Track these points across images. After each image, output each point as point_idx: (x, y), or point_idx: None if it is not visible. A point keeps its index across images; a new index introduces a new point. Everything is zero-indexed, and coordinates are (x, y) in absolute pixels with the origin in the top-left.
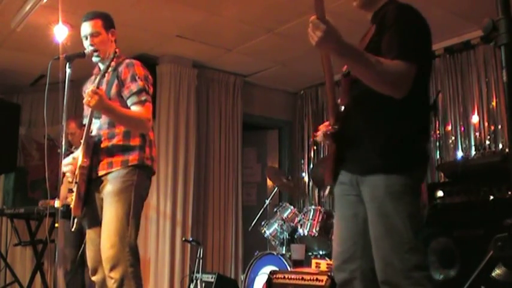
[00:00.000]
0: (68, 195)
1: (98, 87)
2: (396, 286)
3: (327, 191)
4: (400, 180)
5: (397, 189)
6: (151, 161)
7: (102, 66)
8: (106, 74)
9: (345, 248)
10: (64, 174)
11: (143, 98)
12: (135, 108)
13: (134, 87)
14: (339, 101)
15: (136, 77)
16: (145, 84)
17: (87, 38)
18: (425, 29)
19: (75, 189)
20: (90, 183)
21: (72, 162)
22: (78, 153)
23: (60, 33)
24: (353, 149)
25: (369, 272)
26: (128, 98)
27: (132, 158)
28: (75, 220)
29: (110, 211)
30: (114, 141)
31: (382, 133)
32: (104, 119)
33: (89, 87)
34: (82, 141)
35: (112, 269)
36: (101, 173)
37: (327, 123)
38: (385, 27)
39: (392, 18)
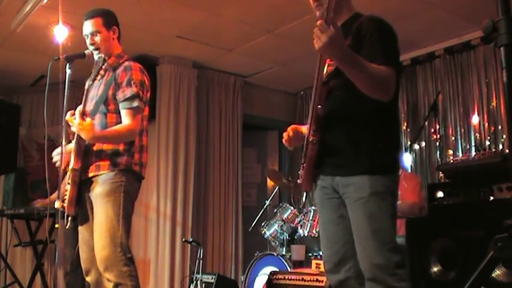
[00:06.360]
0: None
1: (83, 109)
2: (382, 282)
3: (304, 198)
4: (384, 182)
5: (381, 190)
6: (139, 166)
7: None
8: (106, 74)
9: (336, 250)
10: (65, 172)
11: (134, 105)
12: (124, 115)
13: (128, 92)
14: (319, 107)
15: (132, 82)
16: (140, 90)
17: (88, 37)
18: (397, 39)
19: (68, 189)
20: (81, 183)
21: (64, 152)
22: (70, 148)
23: (60, 33)
24: (335, 155)
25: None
26: (120, 102)
27: (119, 162)
28: (69, 218)
29: (101, 212)
30: (104, 145)
31: (366, 139)
32: (96, 121)
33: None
34: (73, 141)
35: (106, 270)
36: (89, 174)
37: (303, 127)
38: (363, 37)
39: (371, 29)
